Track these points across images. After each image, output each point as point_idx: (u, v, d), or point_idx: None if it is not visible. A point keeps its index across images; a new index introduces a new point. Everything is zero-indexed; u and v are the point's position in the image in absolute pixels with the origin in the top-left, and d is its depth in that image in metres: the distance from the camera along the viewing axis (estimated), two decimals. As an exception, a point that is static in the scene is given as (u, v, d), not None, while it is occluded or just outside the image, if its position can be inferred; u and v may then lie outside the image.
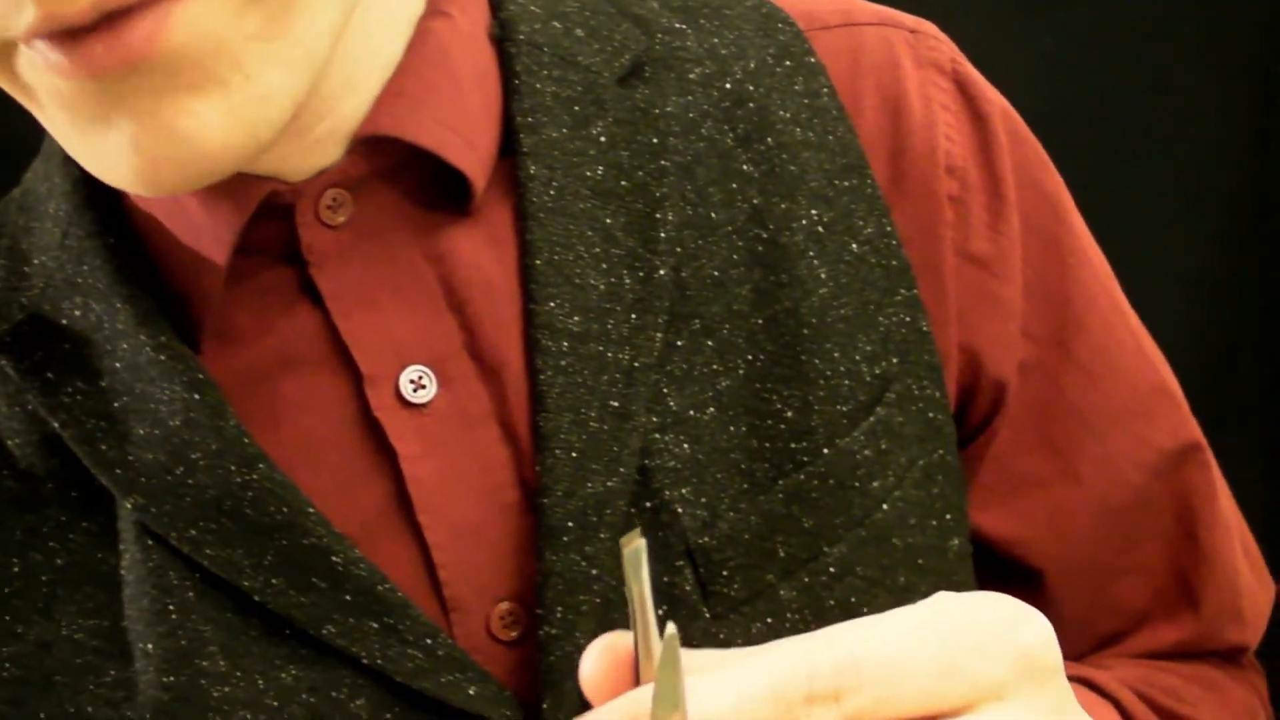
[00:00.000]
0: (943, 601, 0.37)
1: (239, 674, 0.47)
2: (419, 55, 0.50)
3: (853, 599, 0.51)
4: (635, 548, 0.35)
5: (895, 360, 0.53)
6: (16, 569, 0.49)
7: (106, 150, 0.42)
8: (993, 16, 1.37)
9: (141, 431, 0.48)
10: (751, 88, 0.55)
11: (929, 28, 0.59)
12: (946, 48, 0.58)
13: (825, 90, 0.55)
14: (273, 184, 0.48)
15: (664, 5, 0.56)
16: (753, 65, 0.55)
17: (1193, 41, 1.46)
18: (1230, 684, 0.62)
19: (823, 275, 0.53)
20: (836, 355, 0.52)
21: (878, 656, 0.35)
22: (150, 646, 0.48)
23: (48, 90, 0.41)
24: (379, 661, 0.47)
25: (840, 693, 0.35)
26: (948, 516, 0.54)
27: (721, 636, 0.49)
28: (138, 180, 0.42)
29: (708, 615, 0.49)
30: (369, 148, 0.50)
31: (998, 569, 0.60)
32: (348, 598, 0.47)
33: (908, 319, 0.54)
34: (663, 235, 0.51)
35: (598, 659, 0.38)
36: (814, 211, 0.54)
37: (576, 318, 0.50)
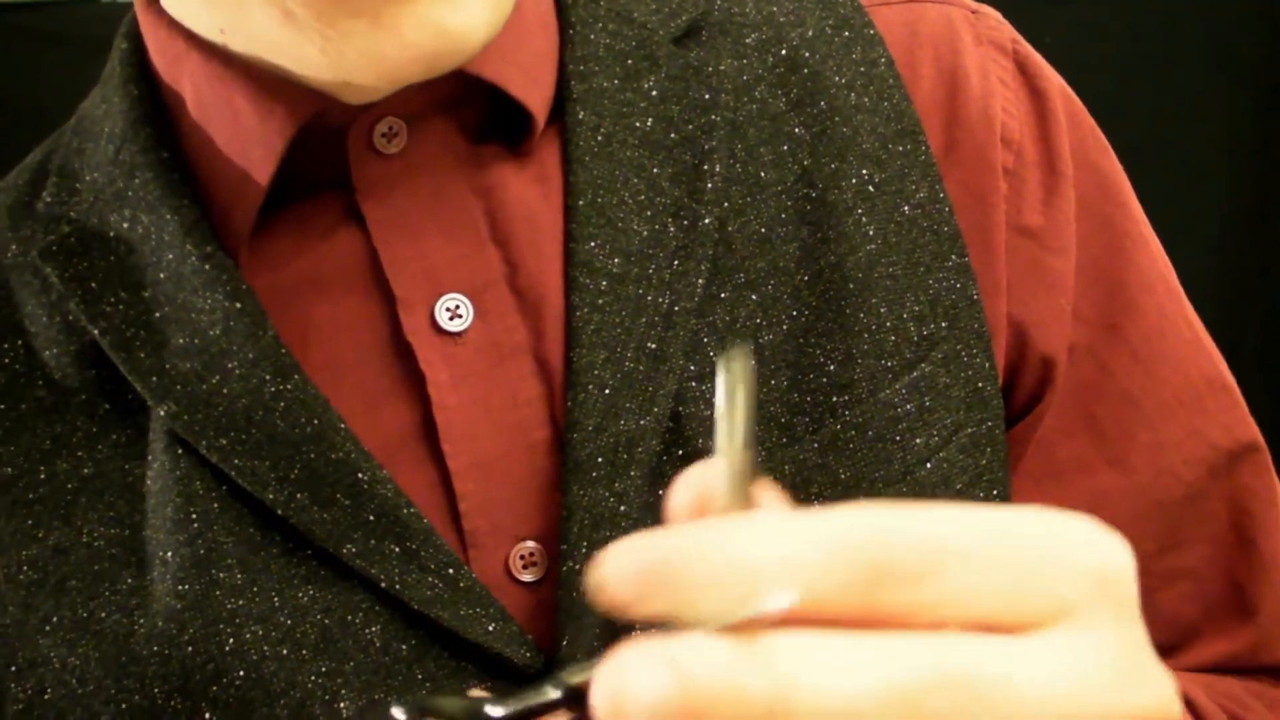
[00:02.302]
0: (1029, 511, 0.32)
1: (255, 588, 0.47)
2: None
3: None
4: (740, 365, 0.29)
5: (944, 324, 0.53)
6: (42, 475, 0.49)
7: (353, 44, 0.43)
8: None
9: (180, 341, 0.49)
10: (807, 54, 0.55)
11: (990, 10, 0.59)
12: (1007, 29, 0.59)
13: (883, 60, 0.56)
14: (331, 100, 0.48)
15: None
16: (810, 33, 0.56)
17: (1193, 41, 1.47)
18: None
19: (870, 232, 0.53)
20: (883, 310, 0.52)
21: (966, 545, 0.28)
22: (169, 554, 0.47)
23: None
24: (397, 586, 0.46)
25: (922, 575, 0.28)
26: (994, 492, 0.53)
27: None
28: (379, 72, 0.44)
29: None
30: (431, 79, 0.49)
31: None
32: (370, 517, 0.47)
33: (958, 285, 0.53)
34: (709, 186, 0.51)
35: (686, 490, 0.31)
36: (864, 171, 0.53)
37: (617, 259, 0.50)
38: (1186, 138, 1.45)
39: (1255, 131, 1.47)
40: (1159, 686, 0.30)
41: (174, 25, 0.51)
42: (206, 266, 0.49)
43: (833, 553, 0.27)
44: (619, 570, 0.27)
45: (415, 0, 0.43)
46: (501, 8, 0.46)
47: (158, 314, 0.49)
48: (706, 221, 0.51)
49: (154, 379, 0.48)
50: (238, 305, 0.49)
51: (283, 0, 0.43)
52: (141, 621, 0.47)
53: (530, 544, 0.48)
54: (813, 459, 0.50)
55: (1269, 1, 1.48)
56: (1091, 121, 0.59)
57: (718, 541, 0.27)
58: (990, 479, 0.53)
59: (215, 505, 0.47)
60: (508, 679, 0.47)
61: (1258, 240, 1.46)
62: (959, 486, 0.51)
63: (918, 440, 0.51)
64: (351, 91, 0.48)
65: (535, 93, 0.51)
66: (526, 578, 0.48)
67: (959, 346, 0.53)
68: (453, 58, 0.45)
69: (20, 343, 0.51)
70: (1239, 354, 1.33)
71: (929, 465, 0.51)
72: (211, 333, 0.48)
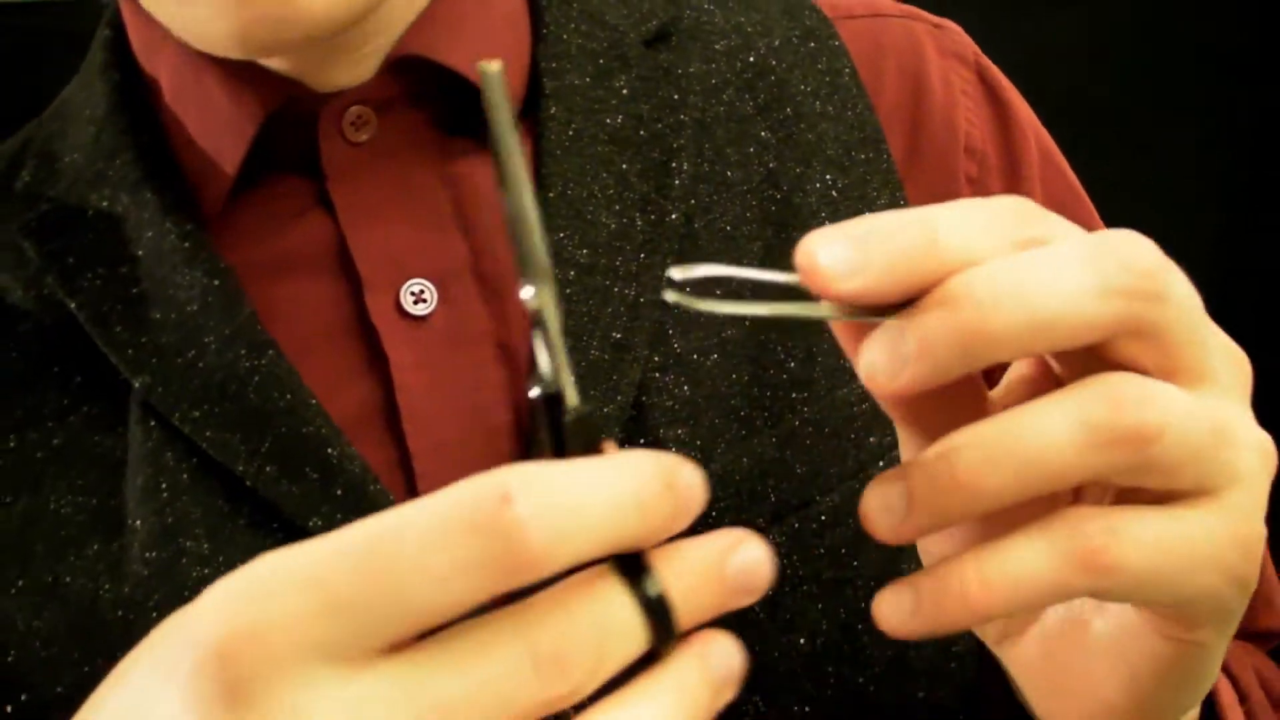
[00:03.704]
0: (1211, 397, 0.34)
1: (221, 558, 0.47)
2: None
3: (843, 549, 0.50)
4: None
5: None
6: (12, 444, 0.50)
7: (206, 10, 0.44)
8: (990, 13, 1.39)
9: (157, 315, 0.50)
10: (774, 62, 0.57)
11: (952, 25, 0.61)
12: (968, 42, 0.60)
13: (847, 70, 0.57)
14: (302, 87, 0.50)
15: None
16: (777, 43, 0.57)
17: (1191, 42, 1.47)
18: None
19: None
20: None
21: (1180, 420, 0.31)
22: (138, 523, 0.48)
23: None
24: None
25: (1154, 437, 0.31)
26: None
27: None
28: (231, 39, 0.45)
29: None
30: (400, 68, 0.51)
31: None
32: (338, 491, 0.47)
33: None
34: (676, 183, 0.52)
35: None
36: (828, 177, 0.55)
37: (585, 250, 0.51)
38: (1184, 135, 1.45)
39: (1253, 131, 1.48)
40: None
41: (150, 15, 0.52)
42: (186, 244, 0.50)
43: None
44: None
45: None
46: None
47: (135, 289, 0.50)
48: (673, 217, 0.52)
49: (130, 351, 0.49)
50: (216, 282, 0.50)
51: None
52: (108, 587, 0.48)
53: None
54: (770, 452, 0.50)
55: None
56: (1049, 137, 0.61)
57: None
58: None
59: (186, 476, 0.48)
60: None
61: (1253, 237, 1.46)
62: None
63: (871, 439, 0.52)
64: (319, 79, 0.50)
65: None
66: None
67: None
68: (301, 25, 0.44)
69: None
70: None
71: (881, 464, 0.52)
72: (189, 308, 0.50)
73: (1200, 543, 0.33)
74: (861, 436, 0.52)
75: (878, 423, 0.52)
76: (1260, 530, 0.34)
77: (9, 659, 0.47)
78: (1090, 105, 1.39)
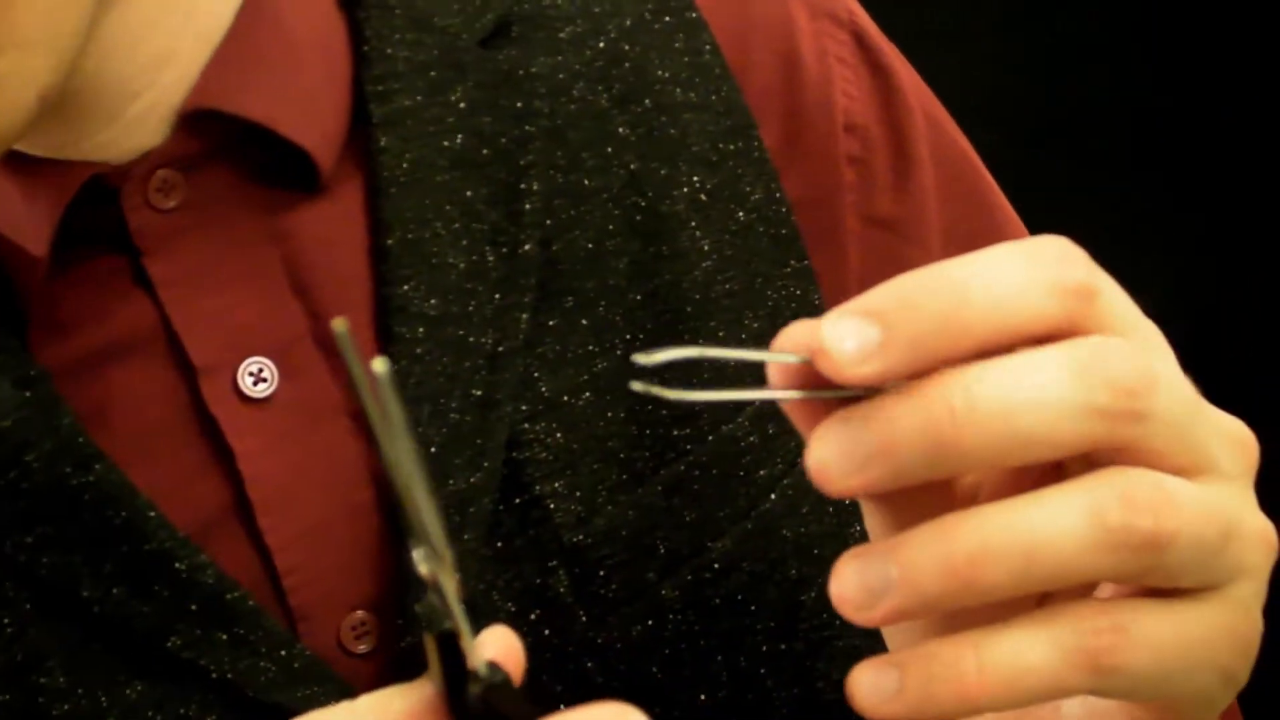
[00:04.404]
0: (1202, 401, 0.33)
1: (80, 690, 0.45)
2: (248, 22, 0.47)
3: (739, 596, 0.48)
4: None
5: None
6: None
7: None
8: (989, 15, 1.36)
9: None
10: (627, 46, 0.51)
11: None
12: (843, 0, 0.55)
13: (708, 47, 0.52)
14: (95, 168, 0.45)
15: None
16: (628, 23, 0.52)
17: (1186, 43, 1.47)
18: None
19: (706, 247, 0.50)
20: (722, 334, 0.49)
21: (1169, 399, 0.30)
22: None
23: None
24: (229, 675, 0.45)
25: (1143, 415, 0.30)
26: (847, 501, 0.50)
27: (599, 641, 0.47)
28: None
29: (584, 619, 0.47)
30: (197, 124, 0.46)
31: None
32: (193, 606, 0.45)
33: (798, 292, 0.51)
34: (528, 207, 0.48)
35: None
36: (696, 178, 0.50)
37: (434, 300, 0.47)
38: (1173, 140, 1.46)
39: (1241, 134, 1.48)
40: None
41: None
42: None
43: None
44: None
45: None
46: (60, 63, 0.41)
47: None
48: (528, 248, 0.48)
49: None
50: (27, 394, 0.45)
51: None
52: None
53: (360, 614, 0.47)
54: (658, 503, 0.48)
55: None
56: (934, 97, 0.56)
57: None
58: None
59: (28, 606, 0.45)
60: None
61: (1240, 239, 1.47)
62: (804, 510, 0.50)
63: (761, 472, 0.49)
64: (109, 152, 0.46)
65: (312, 129, 0.47)
66: (361, 648, 0.46)
67: None
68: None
69: None
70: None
71: (773, 496, 0.49)
72: (3, 424, 0.45)
73: (1199, 641, 0.31)
74: (751, 472, 0.49)
75: (767, 454, 0.49)
76: (1257, 625, 0.33)
77: None
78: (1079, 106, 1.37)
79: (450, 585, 0.29)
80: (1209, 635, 0.31)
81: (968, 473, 0.31)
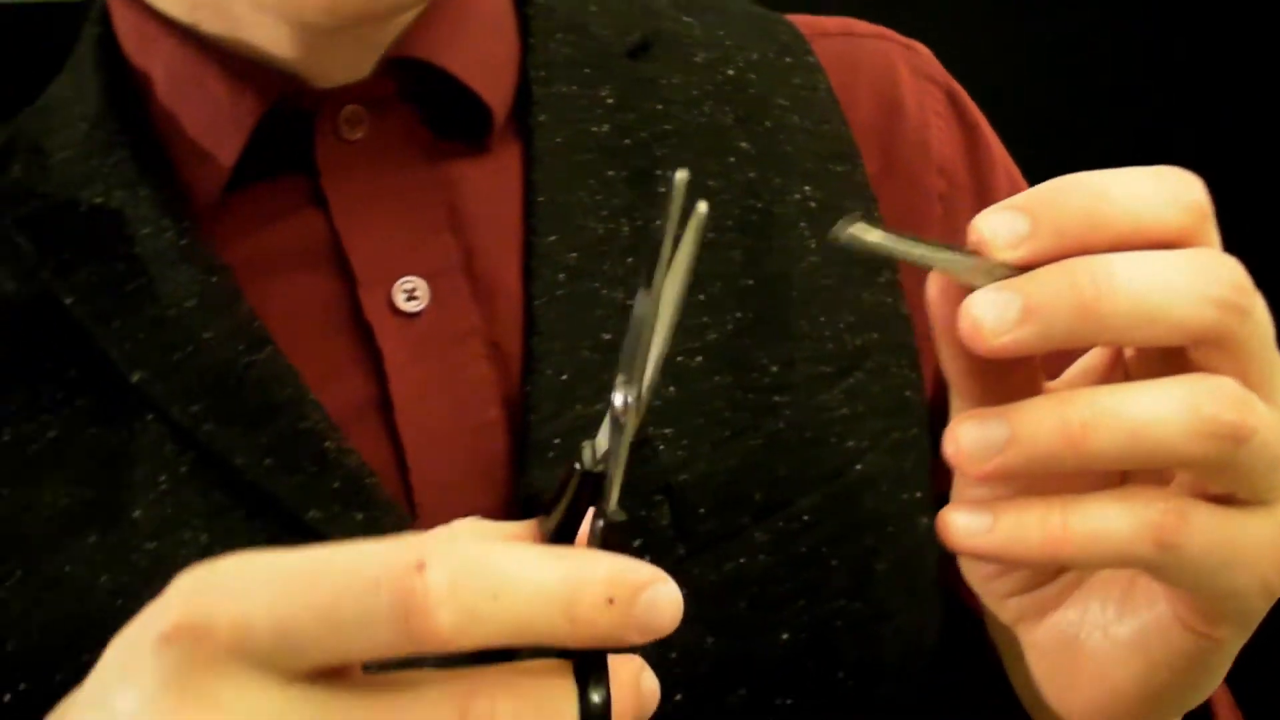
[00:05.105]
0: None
1: (219, 549, 0.46)
2: None
3: (821, 549, 0.52)
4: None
5: (875, 335, 0.56)
6: (7, 438, 0.50)
7: None
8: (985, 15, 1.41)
9: (154, 312, 0.50)
10: (753, 76, 0.59)
11: (921, 47, 0.63)
12: (939, 66, 0.63)
13: (822, 86, 0.59)
14: (299, 83, 0.51)
15: (672, 3, 0.61)
16: (754, 57, 0.59)
17: (1186, 43, 1.52)
18: None
19: (812, 246, 0.56)
20: (821, 319, 0.54)
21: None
22: (138, 514, 0.48)
23: None
24: None
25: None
26: (918, 494, 0.55)
27: (695, 573, 0.50)
28: (322, 10, 0.46)
29: (681, 551, 0.50)
30: (397, 69, 0.53)
31: None
32: (335, 485, 0.48)
33: (888, 300, 0.57)
34: (660, 190, 0.54)
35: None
36: (805, 189, 0.56)
37: (574, 254, 0.52)
38: (1172, 141, 1.49)
39: (1238, 138, 1.52)
40: None
41: (145, 9, 0.53)
42: (182, 241, 0.50)
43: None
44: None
45: None
46: None
47: (131, 285, 0.50)
48: (657, 223, 0.53)
49: (127, 345, 0.49)
50: (213, 279, 0.50)
51: None
52: (105, 578, 0.47)
53: None
54: (754, 456, 0.52)
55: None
56: (1013, 163, 0.63)
57: None
58: (914, 482, 0.55)
59: (184, 469, 0.48)
60: None
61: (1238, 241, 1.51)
62: (884, 488, 0.54)
63: (849, 443, 0.53)
64: (318, 74, 0.51)
65: (494, 91, 0.54)
66: None
67: (887, 357, 0.56)
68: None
69: None
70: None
71: (858, 467, 0.53)
72: (187, 304, 0.50)
73: (1248, 544, 0.36)
74: (839, 441, 0.53)
75: (854, 428, 0.54)
76: None
77: (8, 648, 0.47)
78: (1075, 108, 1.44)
79: (632, 425, 0.32)
80: (1255, 543, 0.36)
81: (1099, 342, 0.36)
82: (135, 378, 0.49)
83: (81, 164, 0.53)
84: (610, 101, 0.56)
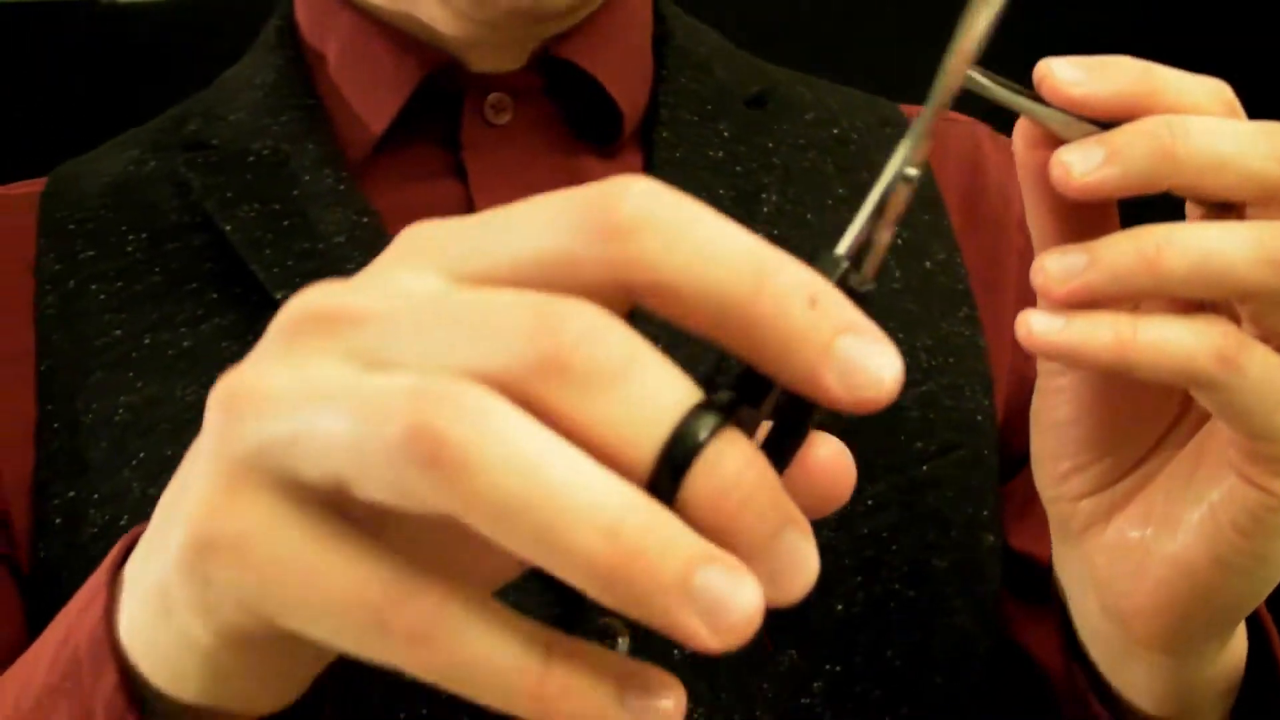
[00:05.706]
0: None
1: None
2: (613, 10, 0.61)
3: (884, 533, 0.55)
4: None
5: (950, 359, 0.60)
6: (146, 341, 0.55)
7: None
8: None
9: (306, 245, 0.55)
10: (855, 136, 0.65)
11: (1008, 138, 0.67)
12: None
13: None
14: (457, 64, 0.58)
15: (789, 73, 0.68)
16: (858, 122, 0.66)
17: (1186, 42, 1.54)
18: None
19: (897, 274, 0.60)
20: (900, 335, 0.59)
21: None
22: None
23: None
24: None
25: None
26: (984, 512, 0.58)
27: None
28: (503, 11, 0.54)
29: None
30: (547, 66, 0.59)
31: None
32: None
33: (966, 332, 0.61)
34: (764, 210, 0.59)
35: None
36: (895, 229, 0.58)
37: None
38: None
39: None
40: None
41: None
42: (341, 187, 0.57)
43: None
44: None
45: None
46: None
47: (286, 223, 0.56)
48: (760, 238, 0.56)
49: (275, 270, 0.55)
50: (364, 220, 0.56)
51: None
52: None
53: None
54: (834, 435, 0.53)
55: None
56: None
57: None
58: (980, 498, 0.59)
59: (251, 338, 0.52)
60: None
61: None
62: (949, 494, 0.57)
63: (918, 444, 0.57)
64: (473, 60, 0.58)
65: (628, 103, 0.60)
66: None
67: (961, 380, 0.60)
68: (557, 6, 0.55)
69: (145, 236, 0.58)
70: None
71: (925, 468, 0.57)
72: (335, 239, 0.55)
73: None
74: (908, 441, 0.57)
75: (925, 432, 0.57)
76: None
77: (122, 524, 0.51)
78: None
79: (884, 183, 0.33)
80: None
81: (1174, 185, 0.38)
82: (279, 295, 0.54)
83: (253, 122, 0.59)
84: (726, 134, 0.62)
